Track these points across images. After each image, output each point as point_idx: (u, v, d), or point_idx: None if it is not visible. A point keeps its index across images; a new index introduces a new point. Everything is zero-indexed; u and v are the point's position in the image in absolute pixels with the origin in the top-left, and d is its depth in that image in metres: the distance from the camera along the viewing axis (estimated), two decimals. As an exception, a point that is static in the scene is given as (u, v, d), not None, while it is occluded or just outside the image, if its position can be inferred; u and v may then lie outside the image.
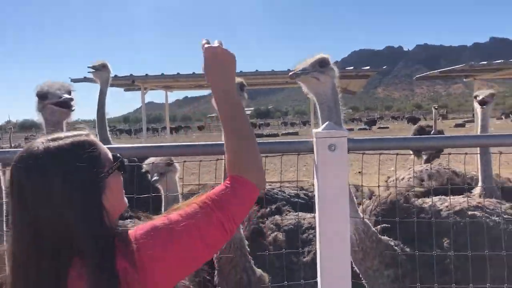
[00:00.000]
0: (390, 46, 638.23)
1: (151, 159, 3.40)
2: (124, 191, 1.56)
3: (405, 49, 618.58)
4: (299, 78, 2.79)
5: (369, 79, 15.08)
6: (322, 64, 2.78)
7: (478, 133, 4.57)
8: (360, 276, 2.93)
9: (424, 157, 10.95)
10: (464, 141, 2.04)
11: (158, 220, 1.49)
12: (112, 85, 13.38)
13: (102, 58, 6.19)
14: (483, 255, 2.62)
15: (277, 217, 3.73)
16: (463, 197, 3.37)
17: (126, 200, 1.57)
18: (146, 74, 12.85)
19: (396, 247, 2.97)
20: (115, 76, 11.98)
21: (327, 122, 1.93)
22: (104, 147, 1.51)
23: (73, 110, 3.63)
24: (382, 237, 2.98)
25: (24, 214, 1.37)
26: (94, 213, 1.38)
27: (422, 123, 14.72)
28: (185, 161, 2.60)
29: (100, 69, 5.90)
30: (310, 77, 2.75)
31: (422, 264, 2.82)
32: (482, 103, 4.55)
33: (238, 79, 2.85)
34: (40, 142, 1.42)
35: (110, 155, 1.51)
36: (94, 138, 1.49)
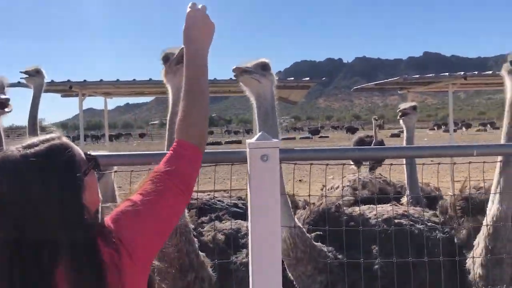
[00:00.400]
0: (330, 58, 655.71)
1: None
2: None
3: (345, 61, 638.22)
4: (242, 77, 2.87)
5: (310, 89, 15.41)
6: (264, 67, 2.91)
7: (404, 144, 4.82)
8: (294, 282, 2.99)
9: (364, 168, 11.31)
10: (386, 152, 2.16)
11: (123, 205, 1.59)
12: (48, 91, 12.86)
13: (38, 63, 5.95)
14: (408, 261, 2.75)
15: (217, 222, 3.74)
16: (390, 205, 3.53)
17: (100, 194, 1.62)
18: (84, 80, 12.45)
19: (329, 253, 3.05)
20: (52, 81, 11.51)
21: (260, 133, 1.98)
22: (77, 148, 1.55)
23: (8, 112, 3.48)
24: (316, 243, 3.07)
25: (5, 221, 1.37)
26: (76, 214, 1.42)
27: (362, 134, 15.22)
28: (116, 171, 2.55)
29: (34, 74, 5.66)
30: (252, 78, 2.85)
31: (353, 271, 2.92)
32: (403, 114, 4.90)
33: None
34: (16, 150, 1.44)
35: (83, 155, 1.56)
36: (66, 140, 1.54)
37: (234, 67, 2.85)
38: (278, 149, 1.91)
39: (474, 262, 2.85)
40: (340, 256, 3.05)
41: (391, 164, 2.51)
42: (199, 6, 1.91)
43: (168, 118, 3.07)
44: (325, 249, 3.08)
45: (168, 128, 2.98)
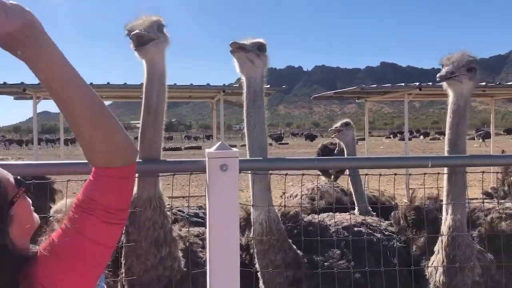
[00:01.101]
0: (290, 66, 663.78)
1: None
2: (33, 208, 1.46)
3: (305, 69, 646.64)
4: (237, 54, 2.79)
5: (270, 96, 15.53)
6: (260, 48, 2.85)
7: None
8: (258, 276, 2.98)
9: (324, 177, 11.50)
10: (344, 163, 2.19)
11: (42, 247, 1.39)
12: (0, 93, 12.39)
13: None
14: (366, 270, 2.81)
15: (183, 229, 3.65)
16: (349, 214, 3.59)
17: (37, 217, 1.47)
18: (39, 83, 12.06)
19: (298, 252, 3.06)
20: (4, 83, 11.12)
21: (219, 142, 1.96)
22: (5, 173, 1.37)
23: None
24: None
25: None
26: (2, 249, 1.27)
27: (326, 141, 15.39)
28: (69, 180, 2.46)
29: None
30: (247, 58, 2.80)
31: (315, 274, 2.95)
32: (336, 131, 5.15)
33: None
34: None
35: (12, 179, 1.37)
36: None
37: (231, 41, 2.76)
38: (237, 159, 1.90)
39: (437, 269, 2.93)
40: (305, 259, 3.07)
41: (366, 174, 2.53)
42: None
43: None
44: (294, 247, 3.09)
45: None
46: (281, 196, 5.49)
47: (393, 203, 4.38)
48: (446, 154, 2.91)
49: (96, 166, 1.49)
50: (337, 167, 2.39)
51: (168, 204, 2.87)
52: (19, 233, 1.34)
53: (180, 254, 3.02)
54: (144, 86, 2.80)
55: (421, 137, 62.13)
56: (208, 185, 1.91)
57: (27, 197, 1.42)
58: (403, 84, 12.99)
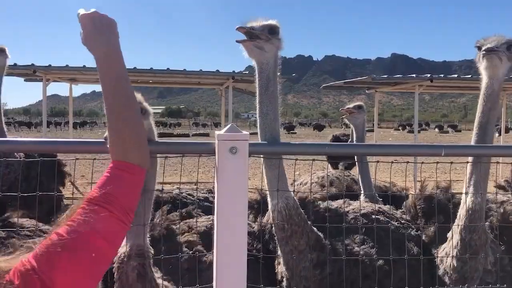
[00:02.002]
0: (300, 55, 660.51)
1: None
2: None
3: (315, 58, 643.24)
4: (243, 43, 2.63)
5: (279, 85, 15.38)
6: (271, 31, 2.64)
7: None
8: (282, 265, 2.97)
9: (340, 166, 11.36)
10: (355, 149, 2.15)
11: (49, 238, 1.35)
12: (11, 74, 12.42)
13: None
14: (387, 254, 2.80)
15: (191, 220, 3.61)
16: (365, 202, 3.56)
17: None
18: (49, 65, 12.07)
19: (319, 233, 3.04)
20: (15, 64, 11.11)
21: (229, 125, 1.92)
22: None
23: None
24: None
25: None
26: None
27: (338, 132, 15.32)
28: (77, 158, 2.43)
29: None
30: (254, 47, 2.62)
31: (336, 258, 2.95)
32: (348, 112, 5.06)
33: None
34: None
35: None
36: None
37: (238, 26, 2.59)
38: (247, 142, 1.86)
39: (448, 254, 2.90)
40: (327, 241, 3.04)
41: (378, 162, 2.47)
42: (91, 10, 1.66)
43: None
44: (315, 229, 3.06)
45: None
46: (291, 184, 5.47)
47: (404, 192, 4.33)
48: (474, 137, 2.87)
49: (129, 162, 1.57)
50: (348, 153, 2.34)
51: (177, 188, 2.82)
52: None
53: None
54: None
55: (436, 129, 61.84)
56: (217, 168, 1.88)
57: None
58: (414, 75, 12.88)
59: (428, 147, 2.23)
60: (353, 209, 3.36)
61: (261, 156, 2.04)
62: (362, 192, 4.57)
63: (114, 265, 2.60)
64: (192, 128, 70.76)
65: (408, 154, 2.27)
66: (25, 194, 2.48)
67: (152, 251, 2.69)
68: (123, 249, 2.56)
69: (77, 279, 1.33)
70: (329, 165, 11.17)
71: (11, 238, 3.10)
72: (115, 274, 2.61)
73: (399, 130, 67.30)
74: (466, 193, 2.80)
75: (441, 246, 3.03)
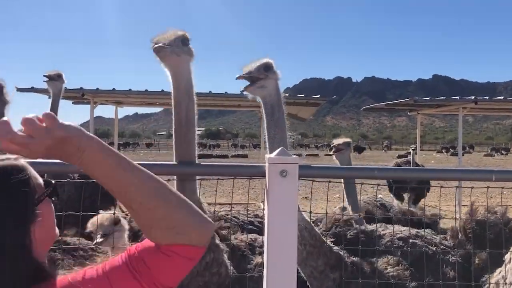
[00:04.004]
0: (339, 77, 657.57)
1: (93, 220, 3.06)
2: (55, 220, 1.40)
3: (354, 80, 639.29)
4: (247, 89, 3.02)
5: (319, 107, 15.44)
6: (266, 69, 3.01)
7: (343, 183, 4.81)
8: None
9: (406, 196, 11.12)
10: (398, 173, 2.15)
11: (71, 277, 1.33)
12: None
13: (50, 69, 6.06)
14: (422, 277, 2.76)
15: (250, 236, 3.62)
16: (401, 226, 3.53)
17: (57, 230, 1.41)
18: (97, 88, 12.57)
19: (340, 252, 3.04)
20: (65, 88, 11.61)
21: (280, 148, 1.98)
22: (34, 172, 1.35)
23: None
24: (326, 241, 3.07)
25: None
26: (21, 247, 1.22)
27: (399, 160, 15.14)
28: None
29: (55, 78, 5.79)
30: (256, 88, 2.99)
31: (366, 274, 2.93)
32: (336, 150, 4.97)
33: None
34: None
35: (40, 180, 1.35)
36: (23, 162, 1.33)
37: (237, 76, 3.00)
38: (297, 165, 1.91)
39: (505, 278, 2.82)
40: (355, 259, 3.05)
41: (441, 186, 2.43)
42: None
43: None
44: (335, 248, 3.07)
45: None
46: (339, 208, 5.53)
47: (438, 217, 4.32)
48: None
49: (179, 243, 1.37)
50: (398, 177, 2.35)
51: (224, 210, 2.89)
52: (40, 238, 1.28)
53: (227, 260, 3.03)
54: (172, 98, 2.83)
55: (496, 154, 59.76)
56: (267, 191, 1.93)
57: (51, 202, 1.37)
58: (457, 97, 12.62)
59: (480, 172, 2.21)
60: (389, 233, 3.35)
61: (311, 179, 2.08)
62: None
63: None
64: (231, 149, 71.35)
65: (461, 178, 2.26)
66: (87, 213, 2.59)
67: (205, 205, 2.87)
68: None
69: None
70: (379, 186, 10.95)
71: (68, 258, 3.23)
72: None
73: (442, 152, 65.60)
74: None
75: (497, 269, 2.95)
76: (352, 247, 3.02)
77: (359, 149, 59.49)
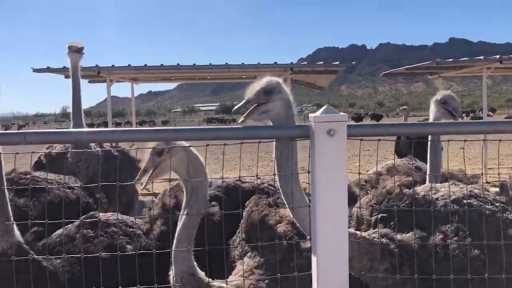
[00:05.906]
0: (353, 44, 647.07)
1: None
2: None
3: (368, 47, 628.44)
4: (249, 118, 2.54)
5: (337, 74, 15.14)
6: (267, 93, 2.55)
7: (428, 142, 4.70)
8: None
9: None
10: (449, 128, 2.00)
11: None
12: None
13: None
14: (483, 243, 2.62)
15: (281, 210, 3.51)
16: (455, 186, 3.33)
17: None
18: (112, 65, 12.48)
19: (381, 239, 2.90)
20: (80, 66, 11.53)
21: (325, 106, 1.83)
22: None
23: None
24: (363, 232, 2.93)
25: None
26: None
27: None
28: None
29: (77, 50, 5.67)
30: (258, 115, 2.52)
31: (421, 250, 2.80)
32: (444, 102, 4.79)
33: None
34: None
35: None
36: None
37: (234, 109, 2.65)
38: (346, 123, 1.76)
39: None
40: (402, 236, 2.91)
41: (449, 140, 2.28)
42: None
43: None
44: (373, 234, 2.92)
45: None
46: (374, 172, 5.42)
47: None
48: None
49: None
50: (449, 132, 2.15)
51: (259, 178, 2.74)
52: None
53: None
54: None
55: None
56: (313, 152, 1.79)
57: None
58: (482, 57, 12.24)
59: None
60: (442, 195, 3.16)
61: (359, 138, 1.93)
62: (428, 172, 4.43)
63: None
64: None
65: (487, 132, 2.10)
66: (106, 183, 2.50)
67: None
68: None
69: None
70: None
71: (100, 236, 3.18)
72: None
73: (462, 117, 64.53)
74: None
75: None
76: (405, 223, 2.87)
77: (377, 117, 58.89)
